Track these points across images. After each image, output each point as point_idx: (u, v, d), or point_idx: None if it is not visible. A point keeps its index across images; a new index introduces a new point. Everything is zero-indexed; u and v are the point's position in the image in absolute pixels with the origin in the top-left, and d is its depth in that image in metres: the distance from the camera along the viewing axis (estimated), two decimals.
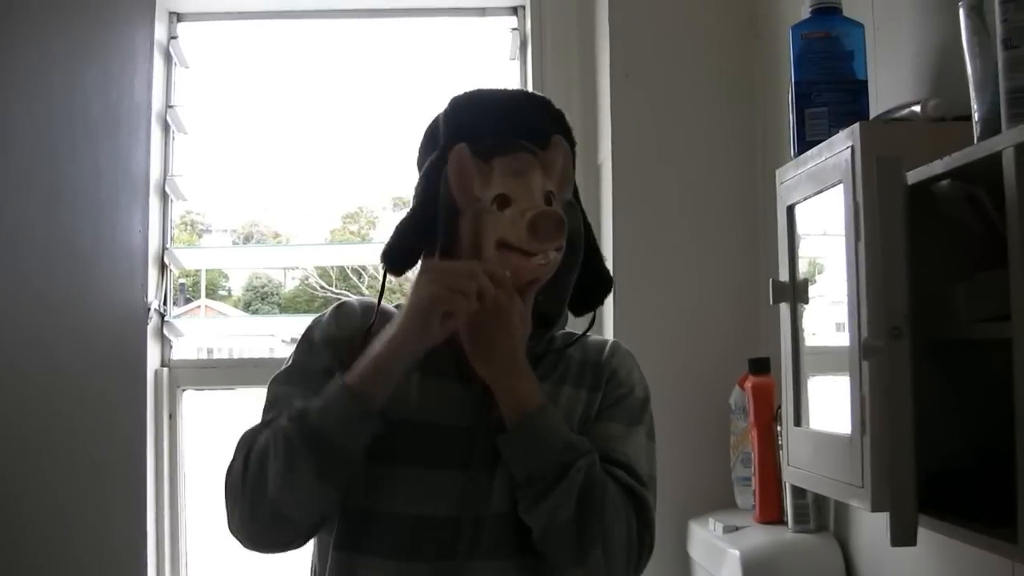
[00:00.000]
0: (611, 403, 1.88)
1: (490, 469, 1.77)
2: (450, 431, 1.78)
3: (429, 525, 1.75)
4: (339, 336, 1.85)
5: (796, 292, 2.12)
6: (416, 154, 1.90)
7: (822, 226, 2.02)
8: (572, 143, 1.88)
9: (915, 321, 1.65)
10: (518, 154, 1.77)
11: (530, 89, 3.33)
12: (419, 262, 1.83)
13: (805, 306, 2.11)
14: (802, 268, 2.12)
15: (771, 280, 2.15)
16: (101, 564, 2.87)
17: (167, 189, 3.34)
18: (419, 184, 1.84)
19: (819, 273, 2.04)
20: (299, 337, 1.90)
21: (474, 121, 1.81)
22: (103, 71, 2.94)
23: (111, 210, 2.98)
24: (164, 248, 3.34)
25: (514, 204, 1.73)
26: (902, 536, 1.62)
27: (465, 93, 1.86)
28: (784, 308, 2.16)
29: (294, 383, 1.82)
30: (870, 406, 1.70)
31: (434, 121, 1.88)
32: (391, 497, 1.76)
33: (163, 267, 3.33)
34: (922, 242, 1.72)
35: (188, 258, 3.52)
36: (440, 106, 1.87)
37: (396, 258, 1.81)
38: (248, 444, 1.74)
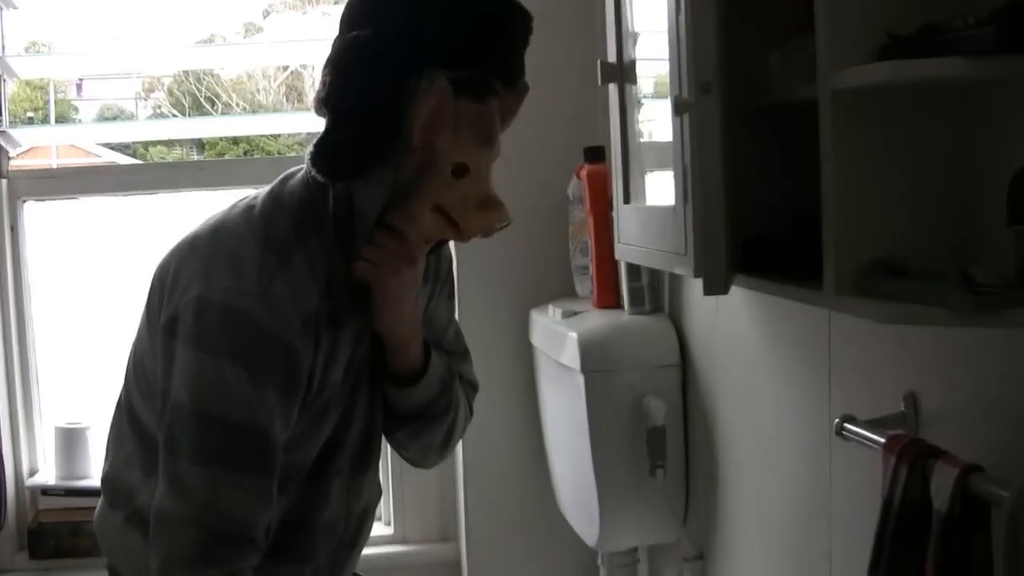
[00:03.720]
0: (443, 282, 1.96)
1: (369, 392, 1.83)
2: (355, 364, 1.78)
3: (336, 450, 1.79)
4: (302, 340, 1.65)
5: (624, 72, 2.15)
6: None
7: (650, 10, 2.04)
8: None
9: (732, 87, 1.70)
10: (489, 104, 1.66)
11: None
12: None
13: (646, 100, 2.15)
14: (642, 70, 2.15)
15: (599, 61, 2.18)
16: None
17: None
18: (376, 73, 1.61)
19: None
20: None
21: (470, 41, 1.64)
22: None
23: None
24: None
25: (470, 178, 1.65)
26: (713, 284, 1.68)
27: None
28: (613, 89, 2.19)
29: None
30: (689, 169, 1.75)
31: None
32: (315, 443, 1.77)
33: None
34: (743, 13, 1.76)
35: (23, 67, 3.43)
36: None
37: (340, 177, 1.66)
38: None
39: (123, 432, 1.80)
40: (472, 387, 2.02)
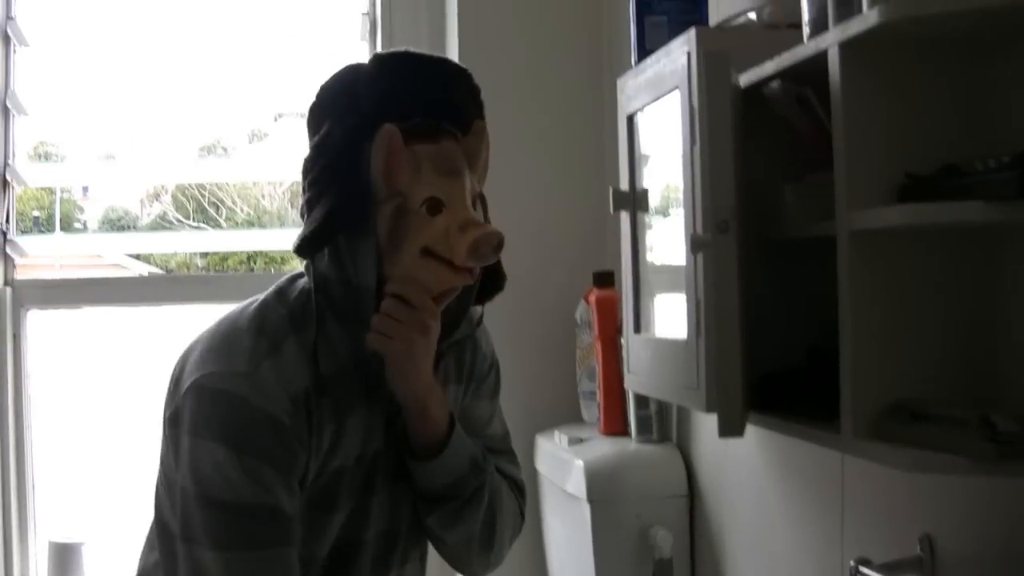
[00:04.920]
0: (480, 380, 1.92)
1: (389, 492, 1.80)
2: (367, 460, 1.76)
3: (352, 550, 1.76)
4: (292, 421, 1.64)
5: (636, 200, 2.14)
6: (318, 100, 1.72)
7: (662, 135, 2.04)
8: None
9: (747, 221, 1.69)
10: (444, 143, 1.66)
11: (378, 1, 3.31)
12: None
13: (653, 219, 2.14)
14: (655, 186, 2.14)
15: (611, 188, 2.18)
16: None
17: (7, 104, 3.24)
18: (332, 156, 1.66)
19: (673, 206, 2.06)
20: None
21: (403, 94, 1.67)
22: None
23: None
24: (6, 164, 3.24)
25: (446, 211, 1.64)
26: (729, 427, 1.65)
27: (392, 54, 1.72)
28: (624, 216, 2.18)
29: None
30: (704, 305, 1.73)
31: (350, 74, 1.71)
32: (325, 537, 1.74)
33: (5, 184, 3.24)
34: (756, 145, 1.75)
35: (31, 174, 3.42)
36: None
37: (313, 250, 1.68)
38: None
39: (152, 538, 1.79)
40: (519, 489, 1.96)
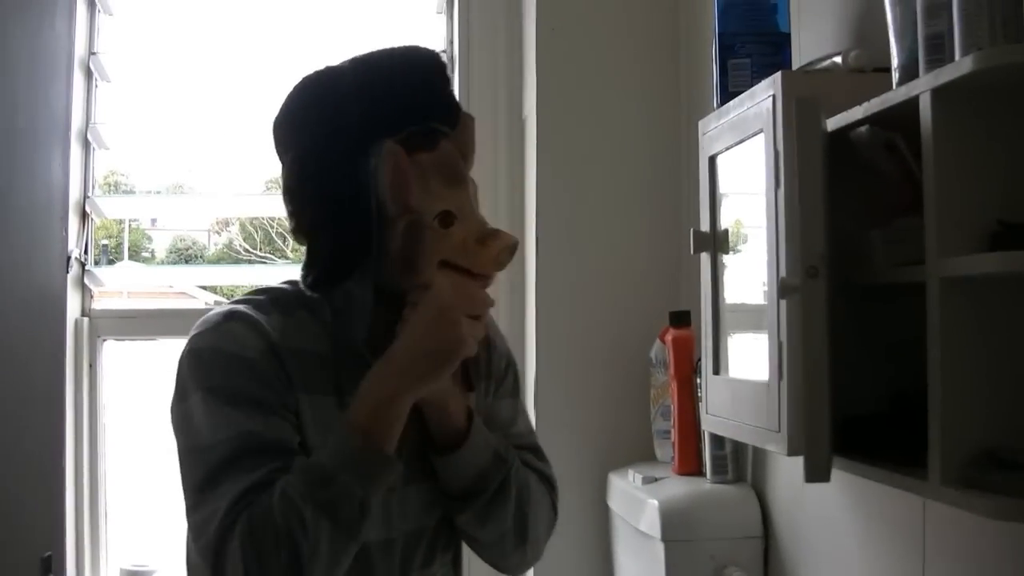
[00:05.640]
0: (498, 379, 1.90)
1: (418, 483, 1.77)
2: None
3: (370, 550, 1.71)
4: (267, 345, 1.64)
5: (717, 242, 2.14)
6: (291, 112, 1.69)
7: (743, 177, 2.04)
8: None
9: (832, 266, 1.68)
10: (442, 147, 1.64)
11: (456, 40, 3.34)
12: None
13: (726, 256, 2.14)
14: (727, 223, 2.14)
15: (692, 230, 2.18)
16: (18, 515, 2.84)
17: (89, 137, 3.29)
18: (324, 175, 1.64)
19: (743, 242, 2.06)
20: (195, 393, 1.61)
21: (394, 103, 1.64)
22: (23, 15, 2.88)
23: (28, 156, 2.93)
24: (85, 196, 3.30)
25: (459, 222, 1.63)
26: (816, 472, 1.64)
27: (371, 57, 1.69)
28: (705, 258, 2.18)
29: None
30: (787, 349, 1.73)
31: (328, 82, 1.69)
32: None
33: (84, 216, 3.29)
34: (841, 189, 1.74)
35: (110, 206, 3.48)
36: (326, 58, 1.67)
37: (326, 283, 1.67)
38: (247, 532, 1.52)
39: None
40: (549, 483, 1.91)
